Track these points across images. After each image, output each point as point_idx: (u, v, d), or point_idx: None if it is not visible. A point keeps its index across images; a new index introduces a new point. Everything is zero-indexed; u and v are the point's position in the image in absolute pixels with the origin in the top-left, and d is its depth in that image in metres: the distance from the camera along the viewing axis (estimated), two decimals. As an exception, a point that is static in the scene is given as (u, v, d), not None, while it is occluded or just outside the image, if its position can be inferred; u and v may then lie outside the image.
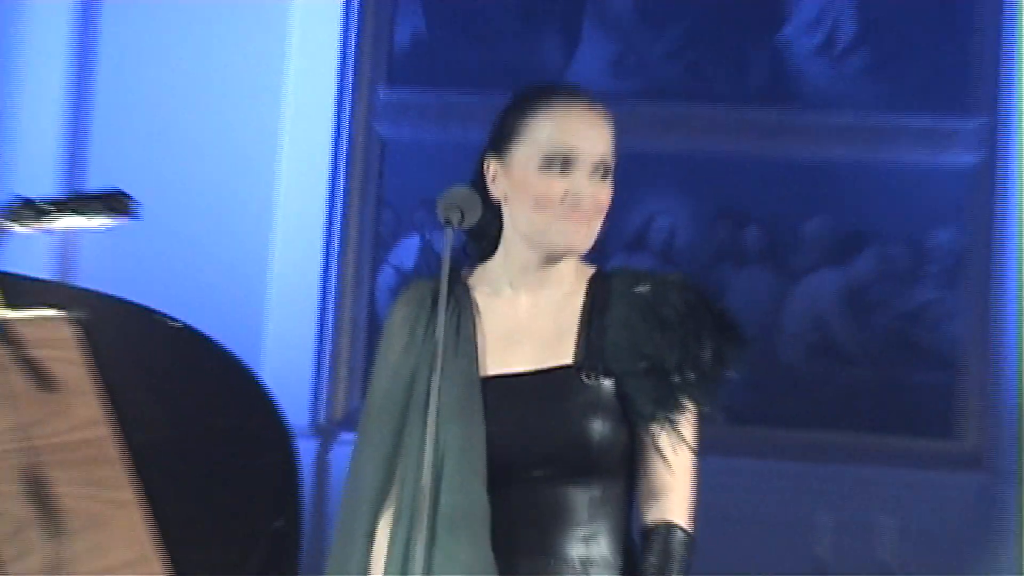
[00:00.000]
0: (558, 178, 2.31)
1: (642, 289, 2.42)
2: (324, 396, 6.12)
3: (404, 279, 5.80)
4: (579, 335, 2.39)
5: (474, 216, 2.26)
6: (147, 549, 2.33)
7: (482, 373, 2.37)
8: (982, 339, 5.52)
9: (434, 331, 2.35)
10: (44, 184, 5.69)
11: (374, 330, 6.01)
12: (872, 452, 5.50)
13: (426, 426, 2.31)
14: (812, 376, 5.78)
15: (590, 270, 2.43)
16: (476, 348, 2.41)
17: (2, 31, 6.26)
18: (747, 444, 5.25)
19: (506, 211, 2.39)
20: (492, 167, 2.36)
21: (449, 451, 2.35)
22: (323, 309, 6.15)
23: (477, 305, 2.42)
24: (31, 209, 2.27)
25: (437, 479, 2.34)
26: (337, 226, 6.12)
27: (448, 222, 2.24)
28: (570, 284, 2.43)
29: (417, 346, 2.42)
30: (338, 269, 6.17)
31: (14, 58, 6.34)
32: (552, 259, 2.36)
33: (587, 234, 2.36)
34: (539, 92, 2.40)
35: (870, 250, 5.69)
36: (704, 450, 2.37)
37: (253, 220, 6.11)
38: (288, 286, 6.10)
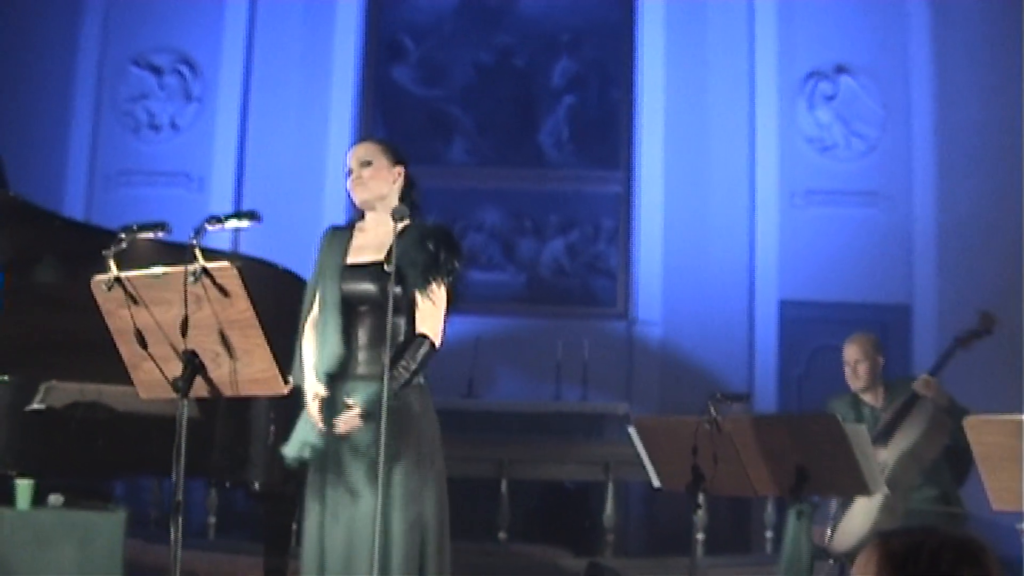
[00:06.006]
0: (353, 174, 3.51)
1: (419, 229, 3.40)
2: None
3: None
4: (388, 250, 3.32)
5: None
6: (272, 366, 3.04)
7: (347, 262, 3.50)
8: (626, 265, 9.49)
9: (332, 247, 3.52)
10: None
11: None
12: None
13: (325, 282, 3.49)
14: (552, 280, 9.53)
15: (406, 222, 3.36)
16: (344, 253, 3.52)
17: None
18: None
19: None
20: None
21: (328, 294, 3.51)
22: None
23: (354, 235, 3.55)
24: (216, 220, 3.11)
25: (322, 305, 3.47)
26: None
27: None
28: (390, 227, 3.37)
29: (324, 253, 3.56)
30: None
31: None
32: (366, 209, 3.48)
33: (360, 195, 3.46)
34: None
35: (577, 228, 9.52)
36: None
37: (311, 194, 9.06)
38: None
